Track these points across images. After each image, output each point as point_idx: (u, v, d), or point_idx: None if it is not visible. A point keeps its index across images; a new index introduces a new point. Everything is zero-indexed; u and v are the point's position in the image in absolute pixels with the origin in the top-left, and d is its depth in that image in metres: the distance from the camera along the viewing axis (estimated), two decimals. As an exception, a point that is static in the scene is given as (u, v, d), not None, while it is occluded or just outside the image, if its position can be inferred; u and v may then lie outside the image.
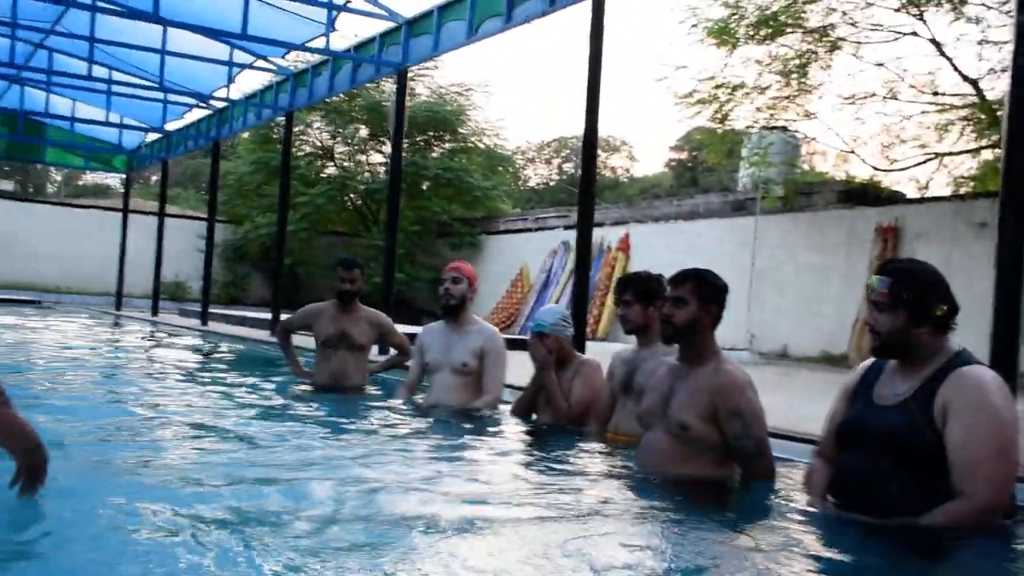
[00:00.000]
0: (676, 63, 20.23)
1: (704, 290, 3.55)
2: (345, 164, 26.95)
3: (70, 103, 16.64)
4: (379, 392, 6.22)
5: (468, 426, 4.89)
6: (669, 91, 19.90)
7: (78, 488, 2.96)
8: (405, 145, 11.65)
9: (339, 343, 6.06)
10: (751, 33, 14.80)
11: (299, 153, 24.68)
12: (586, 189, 7.12)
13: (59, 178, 53.65)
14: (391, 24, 10.20)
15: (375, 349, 6.88)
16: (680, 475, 3.43)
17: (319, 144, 26.73)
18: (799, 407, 6.09)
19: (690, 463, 3.44)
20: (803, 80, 15.04)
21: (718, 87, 15.52)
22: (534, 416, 4.89)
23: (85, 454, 3.59)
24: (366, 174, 26.60)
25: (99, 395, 5.83)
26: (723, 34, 14.95)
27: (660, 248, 17.24)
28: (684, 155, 44.52)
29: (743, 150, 16.95)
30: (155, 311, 17.83)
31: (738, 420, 3.38)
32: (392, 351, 6.57)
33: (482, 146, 27.06)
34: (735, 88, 15.42)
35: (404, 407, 5.36)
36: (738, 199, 16.79)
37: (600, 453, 4.16)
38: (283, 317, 7.46)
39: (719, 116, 15.94)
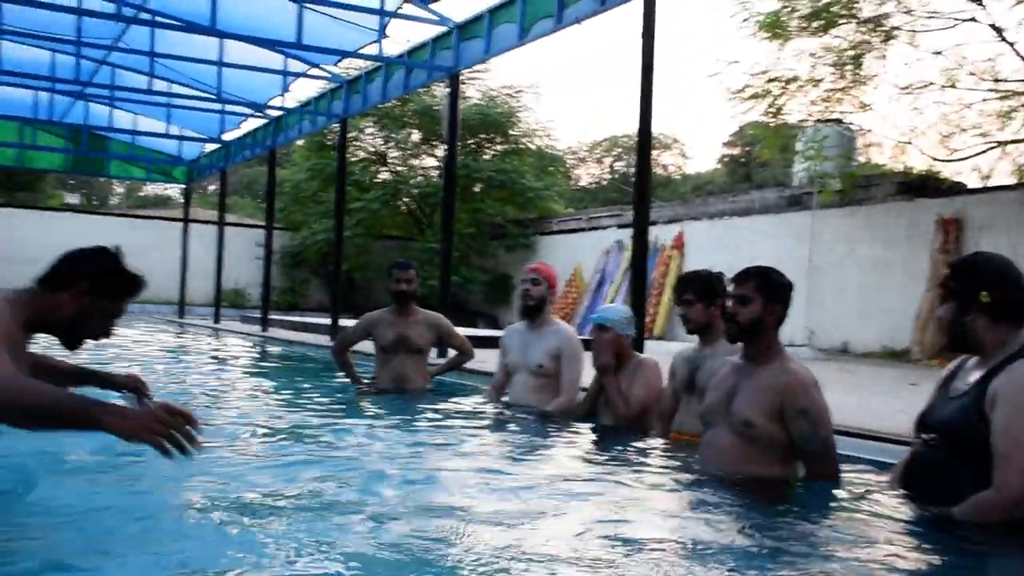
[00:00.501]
0: (728, 58, 20.03)
1: (769, 288, 3.53)
2: (398, 168, 27.19)
3: (132, 117, 17.06)
4: (441, 393, 6.28)
5: (533, 427, 4.91)
6: (721, 87, 19.74)
7: (158, 484, 3.06)
8: (458, 148, 11.71)
9: (398, 347, 6.11)
10: (803, 25, 14.60)
11: (353, 159, 24.94)
12: (641, 188, 7.11)
13: (121, 190, 54.93)
14: (442, 29, 10.29)
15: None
16: (743, 473, 3.43)
17: (372, 149, 27.00)
18: (867, 404, 6.01)
19: (753, 461, 3.44)
20: (857, 71, 14.78)
21: (771, 81, 15.33)
22: (598, 417, 4.90)
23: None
24: (419, 178, 26.81)
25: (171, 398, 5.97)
26: (775, 27, 14.77)
27: (714, 245, 17.11)
28: (737, 151, 44.07)
29: (798, 144, 16.74)
30: (217, 318, 18.18)
31: (804, 419, 3.37)
32: (452, 352, 6.56)
33: (533, 147, 27.10)
34: (788, 81, 15.22)
35: (468, 407, 5.42)
36: (794, 194, 16.57)
37: (663, 452, 4.17)
38: (341, 325, 7.54)
39: (772, 110, 15.74)
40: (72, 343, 2.76)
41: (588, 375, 5.06)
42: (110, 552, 2.40)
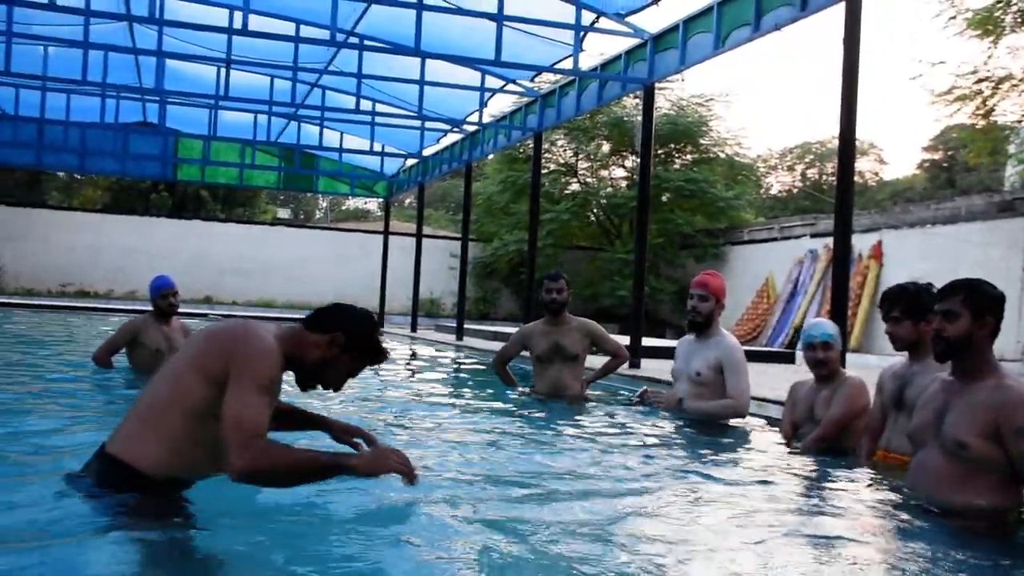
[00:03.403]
0: (932, 59, 19.00)
1: (978, 301, 3.34)
2: (588, 180, 27.43)
3: (338, 135, 18.12)
4: (601, 400, 6.37)
5: (725, 441, 4.90)
6: (924, 89, 18.73)
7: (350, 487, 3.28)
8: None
9: (554, 356, 6.27)
10: (1020, 20, 13.68)
11: (544, 171, 25.40)
12: (843, 195, 6.88)
13: (324, 204, 58.21)
14: (636, 40, 10.35)
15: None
16: (956, 501, 3.25)
17: (562, 161, 27.37)
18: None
19: (968, 486, 3.25)
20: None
21: (981, 81, 14.46)
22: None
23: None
24: (608, 189, 26.92)
25: (370, 401, 6.34)
26: (987, 24, 13.93)
27: (916, 255, 16.24)
28: (939, 155, 41.43)
29: (1010, 147, 15.69)
30: (414, 327, 18.94)
31: (1025, 439, 3.19)
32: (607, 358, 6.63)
33: (723, 156, 26.65)
34: (1001, 81, 14.30)
35: (642, 416, 5.47)
36: (1005, 199, 15.49)
37: (867, 473, 4.03)
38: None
39: (982, 112, 14.84)
40: (306, 385, 2.98)
41: (775, 388, 4.98)
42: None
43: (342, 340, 2.88)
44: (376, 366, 3.04)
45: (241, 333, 2.73)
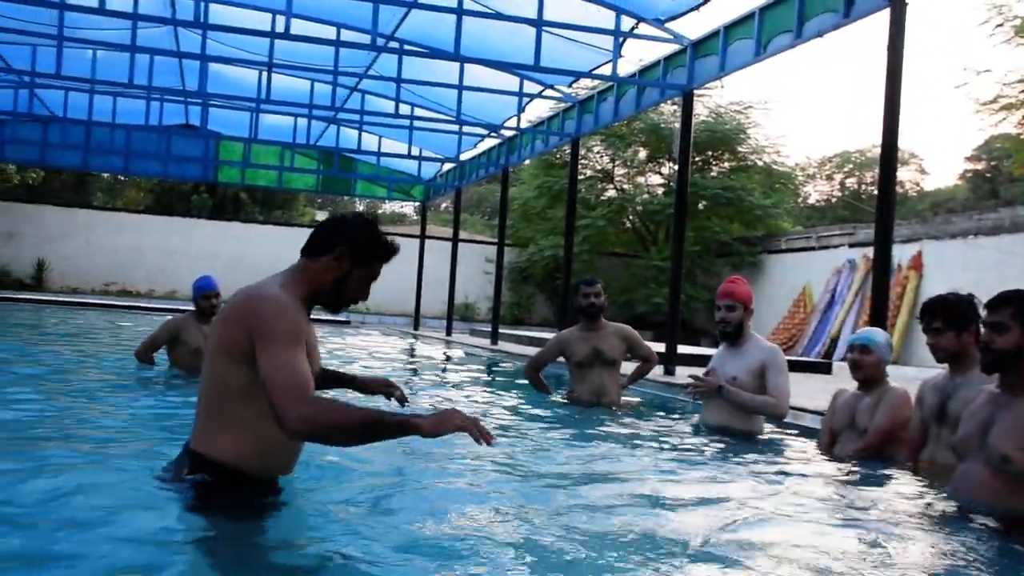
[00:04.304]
0: (977, 67, 18.76)
1: (1029, 314, 3.31)
2: (624, 186, 27.36)
3: (377, 139, 18.25)
4: (642, 405, 6.34)
5: (763, 448, 4.87)
6: (968, 98, 18.48)
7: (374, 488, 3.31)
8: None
9: (594, 361, 6.26)
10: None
11: (580, 177, 25.38)
12: (884, 205, 6.81)
13: (361, 208, 58.66)
14: (676, 47, 10.32)
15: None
16: (1005, 510, 3.21)
17: (599, 167, 27.34)
18: None
19: (1012, 499, 3.22)
20: None
21: (1029, 89, 14.24)
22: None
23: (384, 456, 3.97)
24: (644, 195, 26.85)
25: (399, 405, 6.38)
26: (1035, 32, 13.73)
27: (957, 266, 16.02)
28: (982, 165, 40.79)
29: (1057, 158, 15.41)
30: (449, 331, 19.00)
31: (1072, 455, 3.14)
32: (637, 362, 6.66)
33: (761, 164, 26.46)
34: (1050, 90, 14.08)
35: (684, 423, 5.45)
36: (1051, 211, 15.25)
37: (909, 484, 3.99)
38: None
39: (1029, 121, 14.62)
40: (336, 307, 2.92)
41: (816, 398, 4.94)
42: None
43: (347, 253, 2.84)
44: (390, 260, 2.93)
45: (251, 303, 2.70)
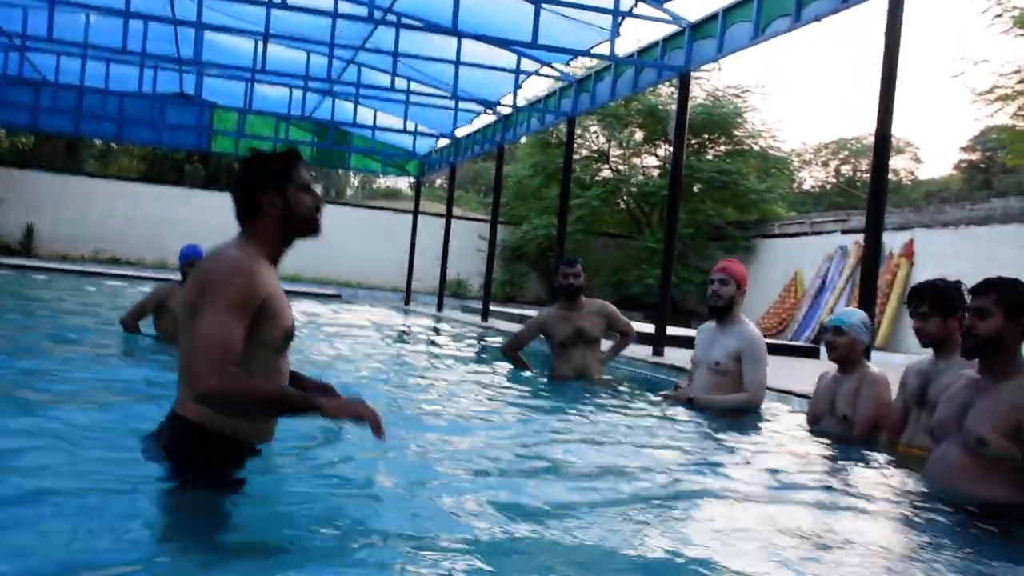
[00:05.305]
0: (974, 57, 18.74)
1: (1012, 301, 3.34)
2: (619, 167, 27.33)
3: (372, 113, 18.17)
4: (624, 382, 6.42)
5: (748, 431, 4.89)
6: (964, 88, 18.49)
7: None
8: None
9: (576, 340, 6.32)
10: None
11: (575, 156, 25.35)
12: (877, 194, 6.80)
13: (356, 182, 58.41)
14: (674, 28, 10.28)
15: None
16: (973, 495, 3.26)
17: (595, 148, 27.29)
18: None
19: (986, 481, 3.26)
20: None
21: None
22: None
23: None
24: (640, 177, 26.83)
25: (386, 379, 6.39)
26: (1034, 23, 13.71)
27: (949, 255, 16.05)
28: (976, 156, 40.83)
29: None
30: (440, 307, 19.00)
31: (1048, 440, 3.17)
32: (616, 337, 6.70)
33: (757, 148, 26.45)
34: (1046, 81, 14.08)
35: (663, 405, 5.48)
36: (1043, 202, 15.28)
37: (888, 466, 4.02)
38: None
39: (1023, 113, 14.61)
40: (309, 231, 2.96)
41: (803, 380, 4.97)
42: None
43: (269, 191, 2.85)
44: (296, 161, 2.93)
45: (209, 262, 2.74)
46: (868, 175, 7.24)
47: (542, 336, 6.58)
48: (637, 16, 10.22)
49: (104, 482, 2.72)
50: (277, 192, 2.85)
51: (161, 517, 2.53)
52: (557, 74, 13.42)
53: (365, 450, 3.26)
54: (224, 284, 2.65)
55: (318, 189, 3.06)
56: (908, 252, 17.41)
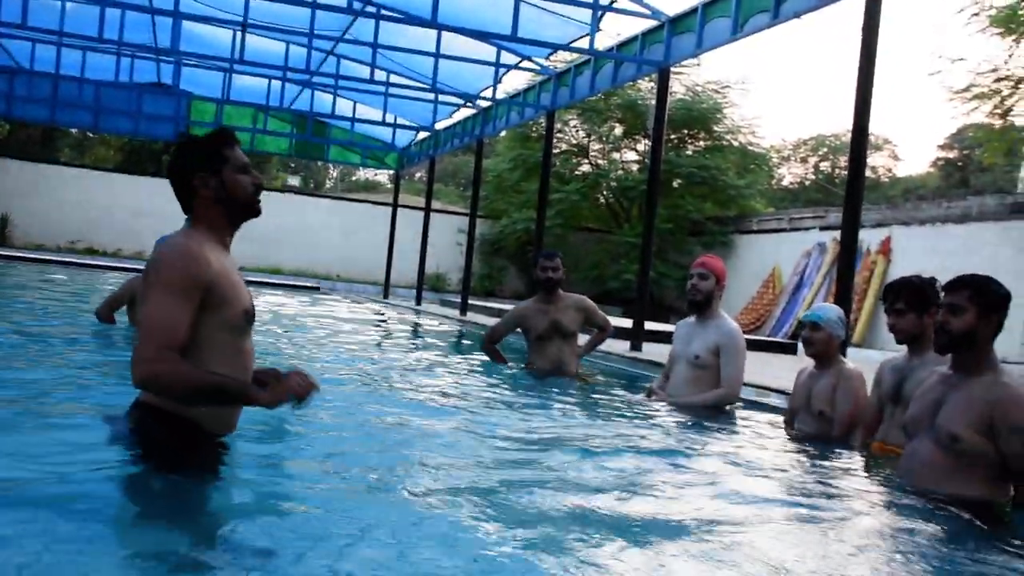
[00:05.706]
0: (952, 55, 18.90)
1: (985, 298, 3.34)
2: (599, 161, 27.35)
3: (351, 105, 18.08)
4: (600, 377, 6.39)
5: (725, 427, 4.90)
6: (942, 86, 18.64)
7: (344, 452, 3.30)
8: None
9: (553, 333, 6.31)
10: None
11: (555, 151, 25.33)
12: (854, 191, 6.84)
13: (335, 174, 58.17)
14: (653, 22, 10.28)
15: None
16: (946, 492, 3.27)
17: (574, 142, 27.29)
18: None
19: (958, 478, 3.28)
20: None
21: (1000, 80, 14.35)
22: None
23: (346, 419, 3.98)
24: (619, 172, 26.86)
25: (360, 372, 6.35)
26: (1009, 22, 13.80)
27: (925, 252, 16.18)
28: (954, 154, 41.22)
29: (1026, 147, 15.59)
30: (419, 300, 18.97)
31: (1018, 437, 3.18)
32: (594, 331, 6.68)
33: (736, 144, 26.54)
34: (1020, 80, 14.20)
35: (637, 401, 5.48)
36: (1018, 201, 15.40)
37: (862, 464, 4.04)
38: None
39: (999, 111, 14.74)
40: (250, 212, 2.90)
41: (780, 376, 4.98)
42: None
43: (206, 171, 2.82)
44: (230, 139, 2.89)
45: (156, 249, 2.73)
46: (847, 172, 7.27)
47: (519, 329, 6.57)
48: (616, 10, 10.22)
49: (74, 467, 2.68)
50: (212, 174, 2.82)
51: (130, 501, 2.52)
52: (537, 68, 13.40)
53: (340, 442, 3.24)
54: (168, 269, 2.65)
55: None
56: (885, 249, 17.53)
